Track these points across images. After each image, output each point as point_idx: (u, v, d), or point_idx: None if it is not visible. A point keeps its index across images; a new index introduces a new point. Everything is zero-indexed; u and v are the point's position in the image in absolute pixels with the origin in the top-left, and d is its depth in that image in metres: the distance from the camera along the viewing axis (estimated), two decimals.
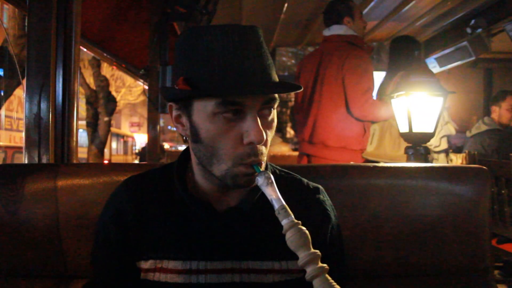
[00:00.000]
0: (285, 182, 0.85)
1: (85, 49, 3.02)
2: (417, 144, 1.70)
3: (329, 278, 0.64)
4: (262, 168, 0.76)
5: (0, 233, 1.05)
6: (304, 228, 0.67)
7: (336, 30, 2.43)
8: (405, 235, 1.06)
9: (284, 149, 4.25)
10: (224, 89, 0.71)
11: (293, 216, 0.68)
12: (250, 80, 0.71)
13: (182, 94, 0.75)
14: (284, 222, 0.68)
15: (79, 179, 1.08)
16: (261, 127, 0.73)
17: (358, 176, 1.10)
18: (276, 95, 0.76)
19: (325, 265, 0.65)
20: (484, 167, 1.12)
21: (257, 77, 0.72)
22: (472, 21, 3.43)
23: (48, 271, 1.06)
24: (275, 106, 0.78)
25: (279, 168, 0.92)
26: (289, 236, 0.66)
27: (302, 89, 0.78)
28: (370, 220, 1.06)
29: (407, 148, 1.73)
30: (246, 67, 0.71)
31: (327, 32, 2.49)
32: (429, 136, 1.71)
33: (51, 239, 1.04)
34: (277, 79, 0.76)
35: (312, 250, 0.66)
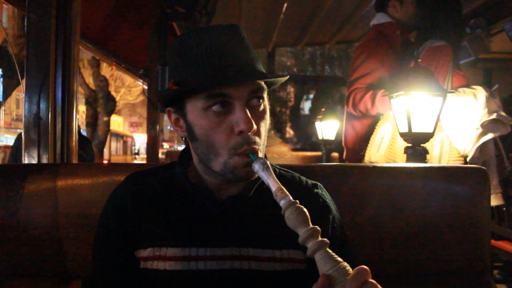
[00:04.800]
0: (284, 180, 0.87)
1: (84, 49, 3.03)
2: (416, 144, 1.70)
3: (331, 251, 0.63)
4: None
5: (0, 233, 1.05)
6: (302, 206, 0.67)
7: (373, 20, 2.26)
8: (405, 235, 1.06)
9: (284, 149, 4.25)
10: (207, 82, 0.76)
11: (290, 197, 0.69)
12: (232, 71, 0.75)
13: (172, 94, 0.79)
14: (282, 202, 0.68)
15: (78, 179, 1.08)
16: (249, 116, 0.76)
17: (358, 176, 1.10)
18: (263, 85, 0.80)
19: (325, 239, 0.64)
20: (483, 167, 1.12)
21: (239, 68, 0.76)
22: (472, 21, 3.43)
23: (48, 271, 1.06)
24: (264, 95, 0.81)
25: (279, 167, 0.93)
26: (288, 215, 0.67)
27: (287, 77, 0.83)
28: (370, 220, 1.06)
29: (406, 148, 1.73)
30: (228, 61, 0.76)
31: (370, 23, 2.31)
32: (428, 136, 1.71)
33: (51, 239, 1.04)
34: (262, 70, 0.80)
35: (311, 226, 0.65)
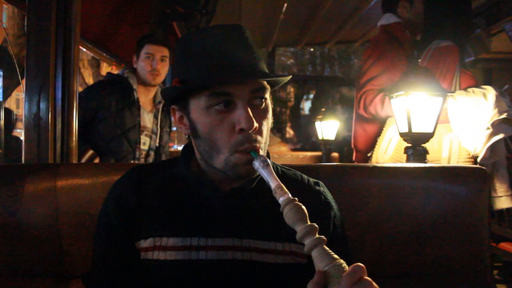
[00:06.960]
0: (286, 178, 0.88)
1: (84, 49, 3.03)
2: (416, 144, 1.70)
3: (327, 248, 0.64)
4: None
5: (0, 233, 1.05)
6: (300, 204, 0.68)
7: (381, 20, 2.21)
8: (405, 235, 1.06)
9: (283, 149, 4.26)
10: (209, 81, 0.77)
11: (289, 194, 0.70)
12: (233, 70, 0.77)
13: (175, 92, 0.81)
14: (281, 200, 0.69)
15: (78, 179, 1.08)
16: (251, 114, 0.77)
17: (358, 176, 1.11)
18: (266, 84, 0.81)
19: (322, 236, 0.65)
20: (483, 167, 1.12)
21: (241, 68, 0.77)
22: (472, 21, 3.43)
23: (48, 271, 1.06)
24: (266, 95, 0.82)
25: (280, 165, 0.94)
26: (286, 212, 0.67)
27: (290, 77, 0.83)
28: (370, 220, 1.06)
29: (406, 148, 1.73)
30: (230, 60, 0.77)
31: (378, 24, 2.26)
32: (428, 136, 1.71)
33: (51, 239, 1.04)
34: (264, 70, 0.81)
35: (309, 223, 0.66)
